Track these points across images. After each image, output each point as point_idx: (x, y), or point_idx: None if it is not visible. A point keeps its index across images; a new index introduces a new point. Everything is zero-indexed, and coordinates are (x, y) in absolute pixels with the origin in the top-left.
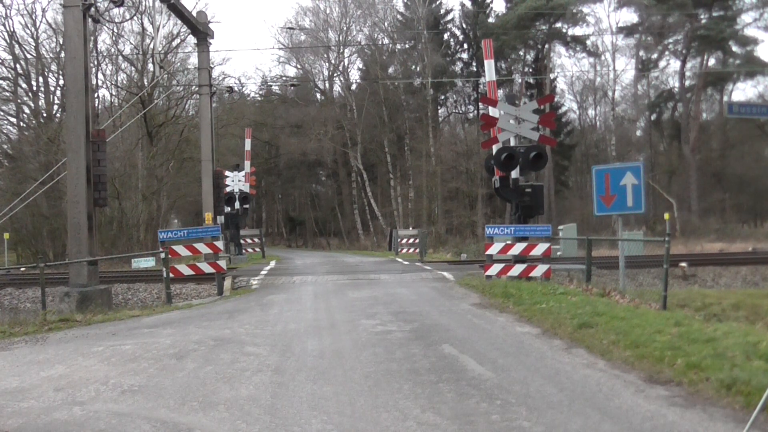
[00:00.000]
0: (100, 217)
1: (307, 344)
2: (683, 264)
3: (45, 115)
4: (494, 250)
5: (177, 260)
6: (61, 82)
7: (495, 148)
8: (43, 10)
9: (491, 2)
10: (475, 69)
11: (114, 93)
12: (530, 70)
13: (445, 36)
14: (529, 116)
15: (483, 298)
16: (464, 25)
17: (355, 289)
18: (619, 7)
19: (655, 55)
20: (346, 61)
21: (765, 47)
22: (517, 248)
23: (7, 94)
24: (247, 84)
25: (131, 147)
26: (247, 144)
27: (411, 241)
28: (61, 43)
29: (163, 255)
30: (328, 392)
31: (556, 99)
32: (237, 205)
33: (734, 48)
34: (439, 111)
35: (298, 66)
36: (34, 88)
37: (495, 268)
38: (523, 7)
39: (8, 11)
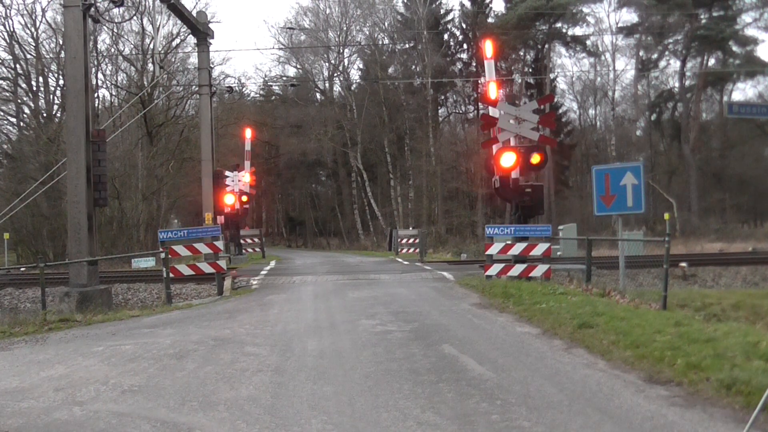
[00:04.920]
0: (100, 217)
1: (307, 344)
2: (683, 264)
3: (45, 115)
4: (494, 250)
5: (177, 260)
6: (61, 82)
7: (495, 148)
8: (43, 10)
9: (491, 2)
10: (475, 69)
11: (114, 93)
12: (530, 70)
13: (445, 36)
14: (529, 116)
15: (483, 298)
16: (464, 26)
17: (355, 289)
18: (619, 7)
19: (655, 55)
20: (346, 61)
21: (765, 47)
22: (517, 248)
23: (7, 94)
24: (247, 84)
25: (131, 147)
26: (248, 144)
27: (411, 241)
28: (61, 43)
29: (163, 255)
30: (328, 392)
31: (556, 99)
32: (237, 205)
33: (734, 48)
34: (439, 111)
35: (298, 66)
36: (34, 88)
37: (495, 268)
38: (523, 7)
39: (8, 11)
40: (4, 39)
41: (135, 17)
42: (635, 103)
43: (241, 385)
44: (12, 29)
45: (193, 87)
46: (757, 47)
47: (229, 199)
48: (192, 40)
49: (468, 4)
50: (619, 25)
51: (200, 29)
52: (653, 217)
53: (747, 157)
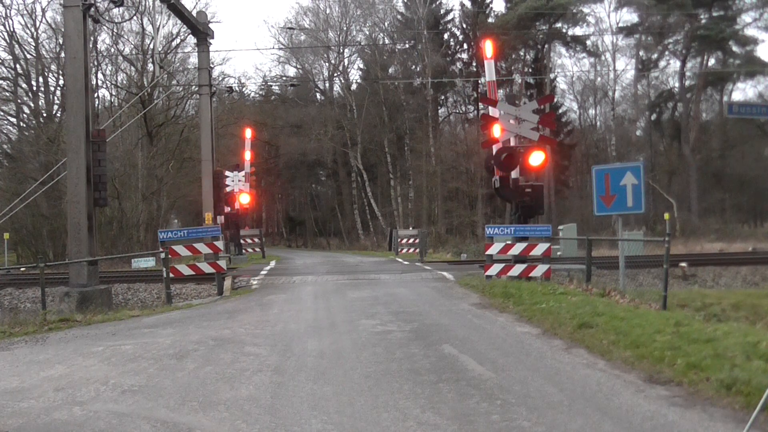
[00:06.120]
0: (100, 217)
1: (307, 344)
2: (683, 264)
3: (45, 115)
4: (494, 250)
5: (177, 260)
6: (61, 82)
7: (495, 148)
8: (43, 10)
9: (491, 2)
10: (475, 69)
11: (114, 93)
12: (530, 70)
13: (445, 36)
14: (529, 116)
15: (483, 298)
16: (464, 25)
17: (355, 289)
18: (619, 7)
19: (655, 55)
20: (346, 61)
21: (765, 47)
22: (517, 248)
23: (7, 94)
24: (247, 84)
25: (131, 147)
26: (248, 144)
27: (411, 241)
28: (61, 43)
29: (163, 255)
30: (328, 392)
31: (556, 99)
32: (237, 205)
33: (734, 48)
34: (439, 111)
35: (298, 66)
36: (34, 88)
37: (495, 268)
38: (523, 7)
39: (8, 11)
40: (4, 39)
41: (135, 17)
42: (635, 103)
43: (241, 385)
44: (12, 29)
45: (193, 87)
46: (757, 47)
47: (229, 199)
48: (192, 40)
49: (468, 4)
50: (619, 25)
51: (200, 29)
52: (653, 217)
53: (747, 157)
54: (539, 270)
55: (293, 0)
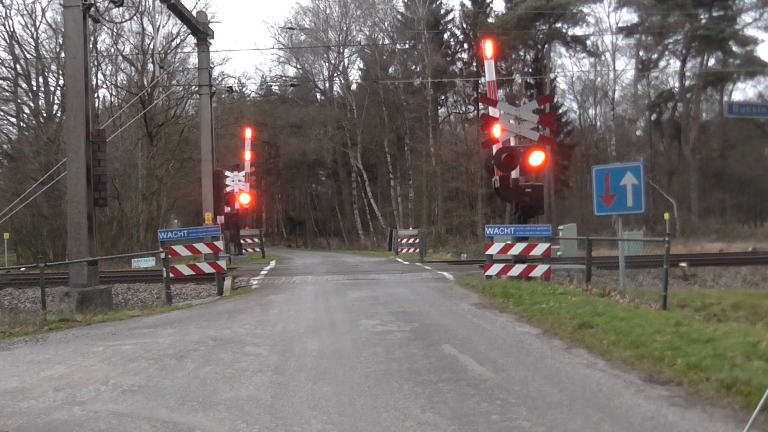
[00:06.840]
0: (100, 217)
1: (307, 344)
2: (683, 264)
3: (45, 115)
4: (494, 250)
5: (177, 260)
6: (61, 82)
7: (495, 148)
8: (43, 10)
9: (491, 2)
10: (475, 69)
11: (114, 93)
12: (530, 70)
13: (445, 36)
14: (529, 116)
15: (483, 298)
16: (464, 25)
17: (355, 289)
18: (619, 7)
19: (655, 55)
20: (346, 61)
21: (765, 47)
22: (517, 248)
23: (7, 94)
24: (247, 84)
25: (131, 147)
26: (248, 144)
27: (411, 241)
28: (61, 43)
29: (163, 255)
30: (328, 392)
31: (556, 99)
32: (237, 205)
33: (734, 48)
34: (439, 111)
35: (298, 66)
36: (34, 88)
37: (495, 268)
38: (523, 7)
39: (8, 11)
40: (4, 39)
41: (135, 17)
42: (635, 103)
43: (241, 385)
44: (12, 29)
45: (193, 87)
46: (757, 47)
47: (229, 199)
48: (192, 40)
49: (468, 4)
50: (619, 25)
51: (200, 29)
52: (653, 217)
53: (747, 157)
54: (539, 270)
55: (293, 0)
